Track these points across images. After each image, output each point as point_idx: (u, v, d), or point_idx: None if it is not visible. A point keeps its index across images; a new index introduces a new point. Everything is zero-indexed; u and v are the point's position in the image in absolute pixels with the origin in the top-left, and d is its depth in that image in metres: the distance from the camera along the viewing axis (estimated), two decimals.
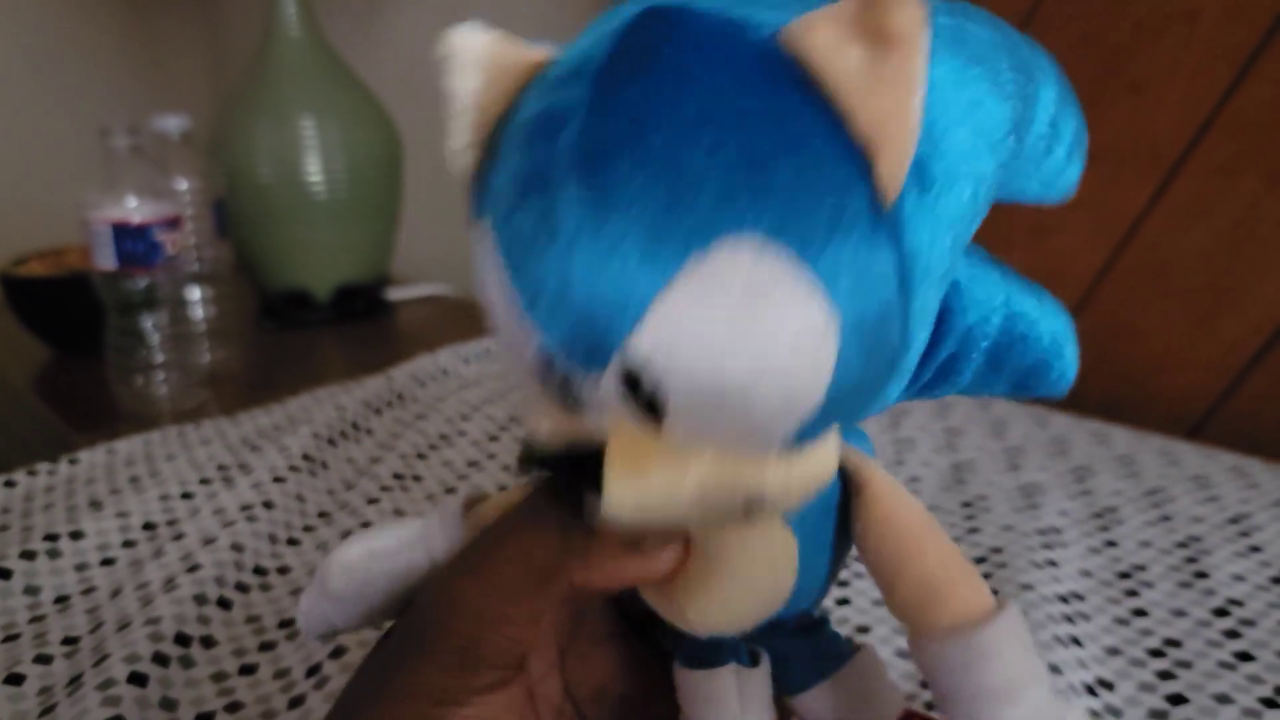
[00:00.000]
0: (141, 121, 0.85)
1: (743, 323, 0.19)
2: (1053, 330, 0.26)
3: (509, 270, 0.21)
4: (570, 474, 0.22)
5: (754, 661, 0.28)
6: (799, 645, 0.29)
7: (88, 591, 0.49)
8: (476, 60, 0.23)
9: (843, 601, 0.48)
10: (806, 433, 0.21)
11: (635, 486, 0.21)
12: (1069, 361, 0.27)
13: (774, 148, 0.19)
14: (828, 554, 0.26)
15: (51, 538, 0.52)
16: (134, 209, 0.81)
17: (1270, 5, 0.68)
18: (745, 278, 0.19)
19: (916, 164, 0.20)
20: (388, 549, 0.28)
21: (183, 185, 0.91)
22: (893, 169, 0.19)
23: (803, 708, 0.29)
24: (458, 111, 0.23)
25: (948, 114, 0.21)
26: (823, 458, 0.23)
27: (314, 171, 1.01)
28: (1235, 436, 0.73)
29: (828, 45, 0.18)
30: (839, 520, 0.26)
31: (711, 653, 0.28)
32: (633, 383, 0.20)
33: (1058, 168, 0.26)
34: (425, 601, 0.26)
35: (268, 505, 0.55)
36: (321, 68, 1.04)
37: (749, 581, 0.25)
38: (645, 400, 0.20)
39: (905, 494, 0.25)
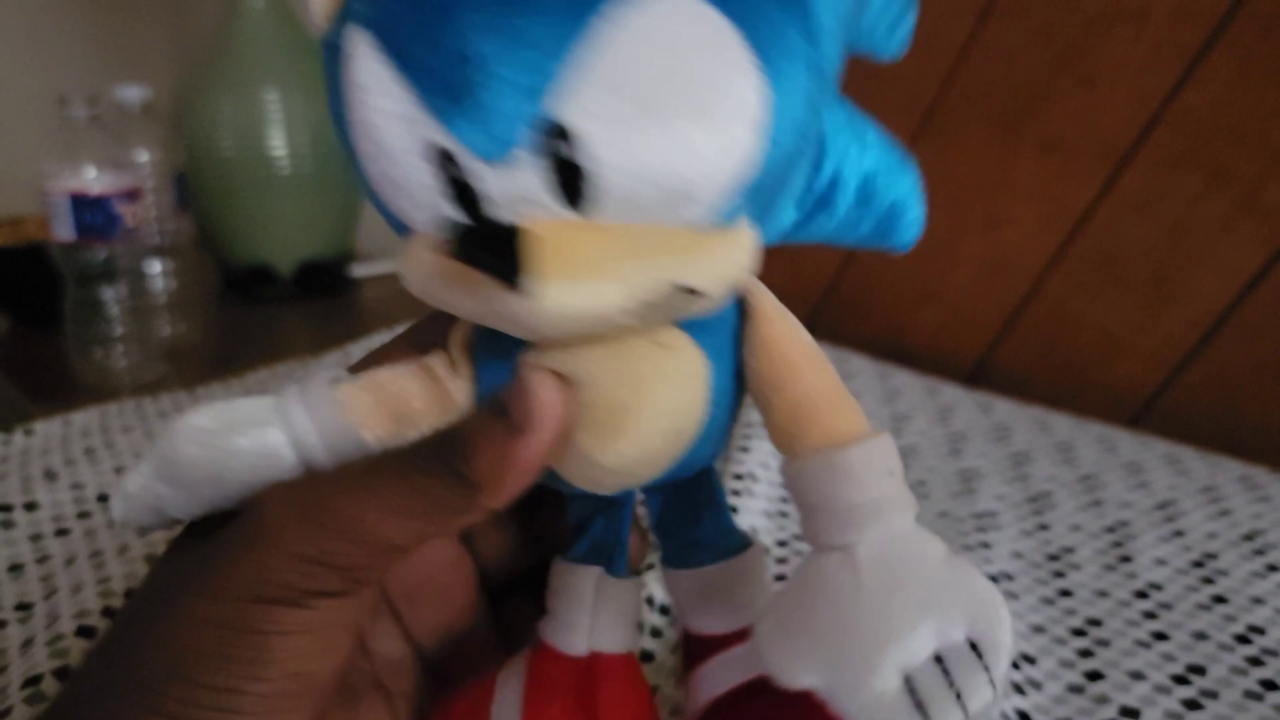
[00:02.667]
0: (101, 91, 0.84)
1: (685, 76, 0.19)
2: (909, 182, 0.26)
3: (399, 65, 0.20)
4: (492, 254, 0.19)
5: (628, 573, 0.28)
6: (691, 522, 0.28)
7: (42, 560, 0.49)
8: None
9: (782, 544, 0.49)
10: (733, 210, 0.21)
11: (564, 273, 0.19)
12: (917, 214, 0.27)
13: None
14: (730, 382, 0.25)
15: (6, 508, 0.53)
16: (93, 180, 0.81)
17: (1217, 6, 0.70)
18: (685, 29, 0.19)
19: None
20: (250, 421, 0.24)
21: (143, 157, 0.91)
22: None
23: (672, 580, 0.29)
24: None
25: None
26: (743, 244, 0.22)
27: (277, 145, 1.01)
28: (1174, 425, 0.75)
29: None
30: (736, 347, 0.25)
31: (592, 549, 0.28)
32: (552, 156, 0.19)
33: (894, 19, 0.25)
34: (277, 503, 0.23)
35: None
36: (286, 40, 1.04)
37: (664, 406, 0.23)
38: (566, 175, 0.19)
39: (793, 320, 0.25)
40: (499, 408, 0.22)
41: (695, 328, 0.24)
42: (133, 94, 0.90)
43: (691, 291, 0.20)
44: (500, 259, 0.19)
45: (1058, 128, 0.79)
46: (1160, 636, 0.46)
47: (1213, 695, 0.42)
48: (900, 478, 0.23)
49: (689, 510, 0.28)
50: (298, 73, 1.03)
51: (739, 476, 0.55)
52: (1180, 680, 0.43)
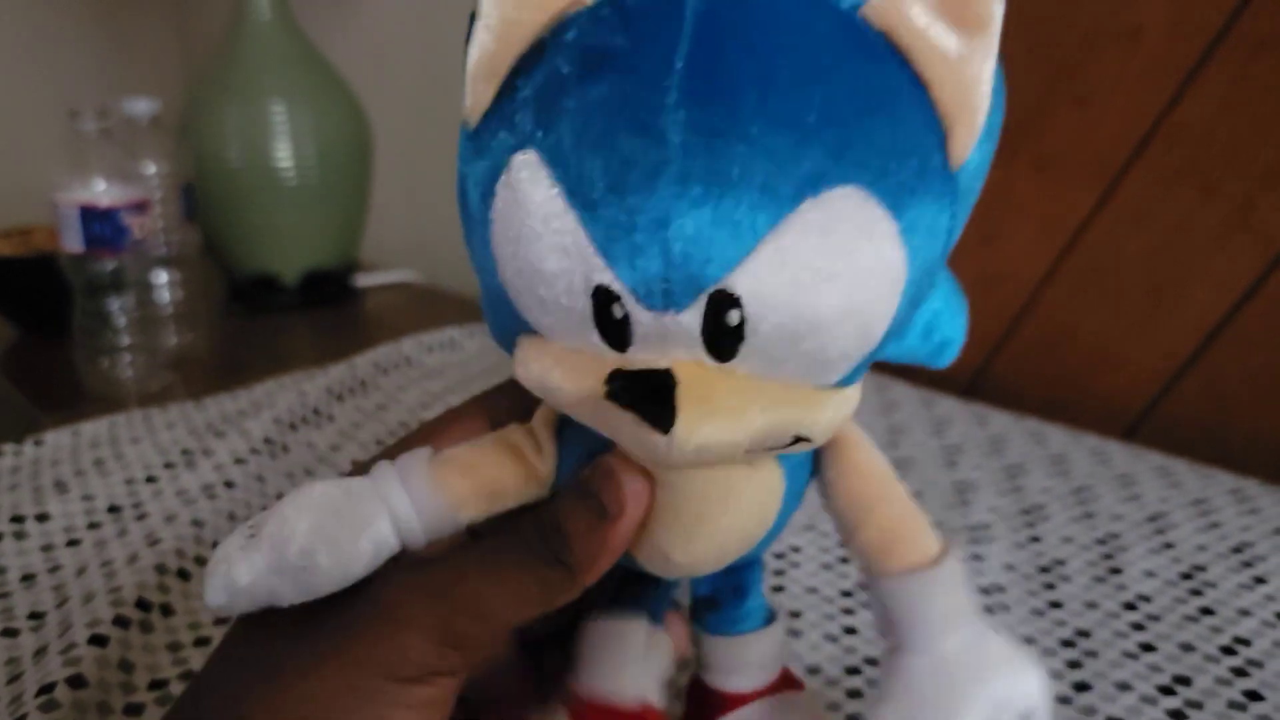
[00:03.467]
0: (110, 104, 0.86)
1: (842, 262, 0.21)
2: (963, 321, 0.29)
3: (578, 208, 0.21)
4: (646, 402, 0.21)
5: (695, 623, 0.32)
6: (738, 598, 0.31)
7: (54, 570, 0.51)
8: (505, 8, 0.22)
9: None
10: (857, 371, 0.24)
11: (703, 420, 0.21)
12: (960, 345, 0.29)
13: (874, 109, 0.21)
14: (798, 492, 0.28)
15: (18, 519, 0.54)
16: (102, 192, 0.82)
17: (1209, 24, 0.71)
18: (849, 222, 0.21)
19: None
20: (364, 519, 0.25)
21: (151, 169, 0.92)
22: (965, 138, 0.22)
23: (710, 645, 0.32)
24: (483, 31, 0.22)
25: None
26: (852, 396, 0.25)
27: (283, 156, 1.02)
28: (1168, 437, 0.76)
29: (916, 22, 0.21)
30: (811, 463, 0.28)
31: (633, 605, 0.30)
32: (718, 316, 0.21)
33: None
34: (409, 590, 0.25)
35: (229, 485, 0.57)
36: (292, 52, 1.05)
37: (742, 518, 0.26)
38: (726, 334, 0.22)
39: (871, 443, 0.28)
40: (589, 496, 0.25)
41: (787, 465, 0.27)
42: (141, 107, 0.91)
43: (801, 441, 0.24)
44: (654, 406, 0.21)
45: (1053, 144, 0.80)
46: (1148, 648, 0.47)
47: (1198, 706, 0.43)
48: (969, 588, 0.27)
49: (737, 588, 0.31)
50: (303, 85, 1.04)
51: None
52: (1167, 691, 0.44)
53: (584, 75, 0.21)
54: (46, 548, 0.52)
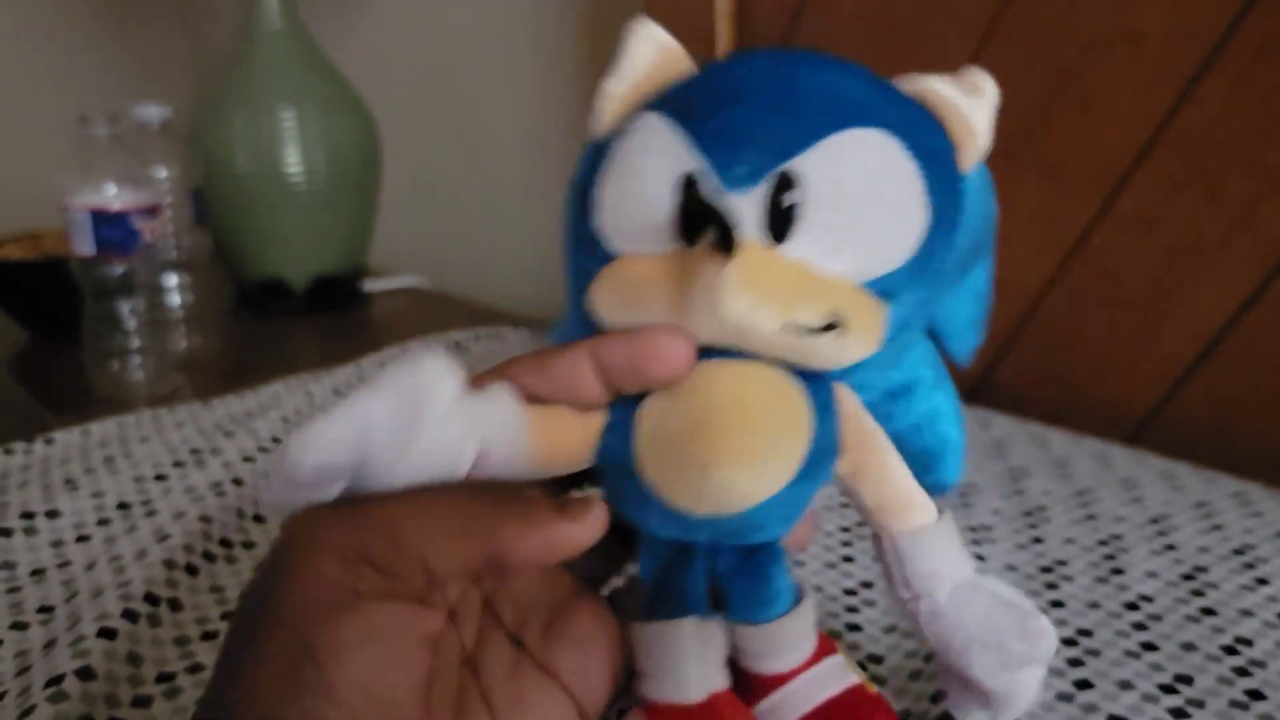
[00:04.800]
0: (121, 110, 0.87)
1: (879, 171, 0.28)
2: (960, 435, 0.34)
3: (682, 124, 0.29)
4: (719, 222, 0.26)
5: (713, 610, 0.32)
6: (763, 582, 0.32)
7: (63, 565, 0.51)
8: (656, 41, 0.32)
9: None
10: (885, 287, 0.29)
11: (751, 283, 0.27)
12: (959, 465, 0.34)
13: (904, 100, 0.30)
14: (826, 449, 0.30)
15: (28, 515, 0.54)
16: (112, 196, 0.83)
17: (1212, 30, 0.72)
18: (884, 148, 0.29)
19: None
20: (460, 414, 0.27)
21: (161, 173, 0.93)
22: (968, 154, 0.31)
23: (741, 632, 0.32)
24: (627, 68, 0.32)
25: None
26: (882, 317, 0.29)
27: (292, 162, 1.03)
28: (1171, 442, 0.76)
29: (935, 85, 0.31)
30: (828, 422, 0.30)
31: (675, 603, 0.31)
32: (777, 195, 0.27)
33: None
34: (314, 515, 0.25)
35: (237, 482, 0.57)
36: (301, 59, 1.06)
37: (783, 430, 0.28)
38: (782, 212, 0.27)
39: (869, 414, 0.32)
40: (565, 505, 0.27)
41: (808, 384, 0.29)
42: (152, 112, 0.92)
43: (833, 329, 0.28)
44: (723, 229, 0.26)
45: (1056, 150, 0.81)
46: (1149, 647, 0.47)
47: (1200, 704, 0.43)
48: (960, 545, 0.32)
49: (760, 572, 0.32)
50: (312, 92, 1.05)
51: None
52: (1168, 689, 0.44)
53: (691, 80, 0.31)
54: (56, 544, 0.53)
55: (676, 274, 0.28)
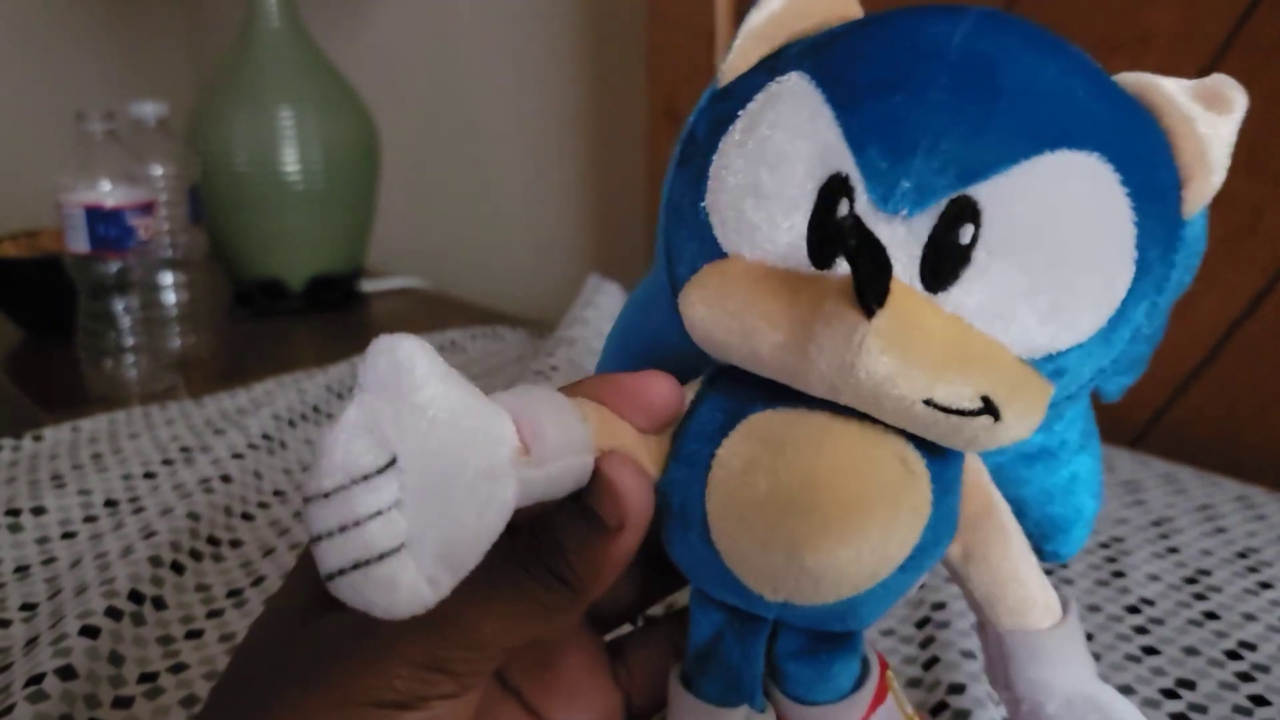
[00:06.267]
0: (118, 107, 0.86)
1: (1089, 216, 0.22)
2: (1094, 509, 0.29)
3: (838, 101, 0.22)
4: (865, 260, 0.20)
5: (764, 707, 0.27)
6: (818, 671, 0.27)
7: (48, 562, 0.50)
8: None
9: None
10: (1060, 365, 0.22)
11: (897, 342, 0.20)
12: (1082, 538, 0.29)
13: (1133, 116, 0.23)
14: (936, 540, 0.24)
15: (13, 512, 0.54)
16: (108, 193, 0.83)
17: (1219, 29, 0.71)
18: (1095, 182, 0.22)
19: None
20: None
21: (158, 171, 0.92)
22: (1198, 191, 0.23)
23: (789, 710, 0.28)
24: (768, 10, 0.25)
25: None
26: (1039, 411, 0.22)
27: (290, 161, 1.02)
28: (1175, 445, 0.75)
29: (1166, 88, 0.23)
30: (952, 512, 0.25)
31: (726, 683, 0.26)
32: (950, 228, 0.21)
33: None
34: (371, 627, 0.23)
35: (225, 479, 0.57)
36: (301, 59, 1.05)
37: (888, 525, 0.23)
38: (952, 251, 0.21)
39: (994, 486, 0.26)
40: (586, 508, 0.23)
41: (935, 471, 0.24)
42: (149, 110, 0.91)
43: (987, 413, 0.21)
44: (872, 267, 0.19)
45: None
46: (1151, 651, 0.46)
47: (1202, 710, 0.42)
48: (1086, 652, 0.26)
49: (830, 662, 0.27)
50: (311, 91, 1.05)
51: None
52: (1170, 694, 0.43)
53: (858, 28, 0.24)
54: (41, 540, 0.52)
55: (802, 299, 0.21)
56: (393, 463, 0.20)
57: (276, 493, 0.58)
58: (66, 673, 0.41)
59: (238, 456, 0.60)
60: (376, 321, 1.07)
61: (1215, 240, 0.73)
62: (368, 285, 1.16)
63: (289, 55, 1.05)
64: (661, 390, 0.24)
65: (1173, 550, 0.55)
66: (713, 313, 0.23)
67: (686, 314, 0.23)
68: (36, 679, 0.41)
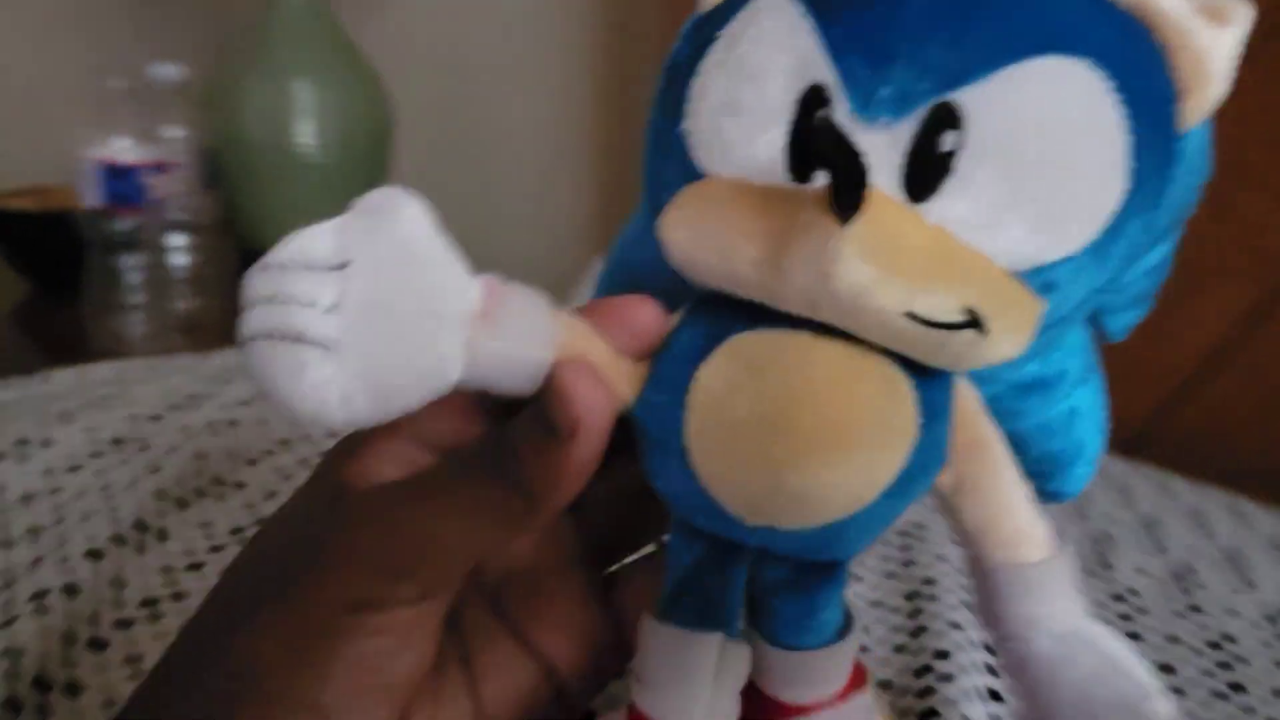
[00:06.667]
0: (140, 67, 0.87)
1: (1072, 117, 0.21)
2: (1099, 443, 0.28)
3: (819, 14, 0.22)
4: (840, 167, 0.19)
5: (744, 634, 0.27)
6: (807, 607, 0.26)
7: (54, 492, 0.51)
8: None
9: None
10: (1049, 278, 0.22)
11: (876, 252, 0.20)
12: (1086, 474, 0.28)
13: (1126, 28, 0.22)
14: (923, 468, 0.23)
15: (22, 442, 0.54)
16: (125, 150, 0.84)
17: None
18: (1083, 87, 0.21)
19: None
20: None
21: (175, 133, 0.93)
22: (1196, 105, 0.22)
23: (767, 654, 0.27)
24: None
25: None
26: (1028, 327, 0.22)
27: (304, 134, 1.03)
28: (1168, 458, 0.76)
29: (1171, 5, 0.22)
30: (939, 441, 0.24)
31: (703, 610, 0.26)
32: (931, 135, 0.20)
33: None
34: (357, 517, 0.24)
35: (232, 423, 0.57)
36: (322, 34, 1.06)
37: (875, 445, 0.22)
38: (933, 160, 0.21)
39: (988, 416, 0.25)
40: (542, 415, 0.22)
41: (923, 394, 0.23)
42: (170, 72, 0.92)
43: (971, 327, 0.21)
44: (848, 175, 0.19)
45: None
46: (1134, 636, 0.47)
47: (1180, 693, 0.43)
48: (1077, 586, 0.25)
49: (814, 595, 0.26)
50: (330, 67, 1.05)
51: None
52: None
53: None
54: (48, 471, 0.53)
55: (779, 214, 0.21)
56: (344, 267, 0.21)
57: (282, 441, 0.59)
58: (70, 590, 0.42)
59: (245, 404, 0.60)
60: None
61: (1214, 255, 0.75)
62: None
63: (311, 30, 1.05)
64: (645, 311, 0.24)
65: (1161, 549, 0.56)
66: (691, 233, 0.22)
67: (666, 237, 0.23)
68: (41, 594, 0.41)
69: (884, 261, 0.20)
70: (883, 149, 0.21)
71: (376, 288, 0.21)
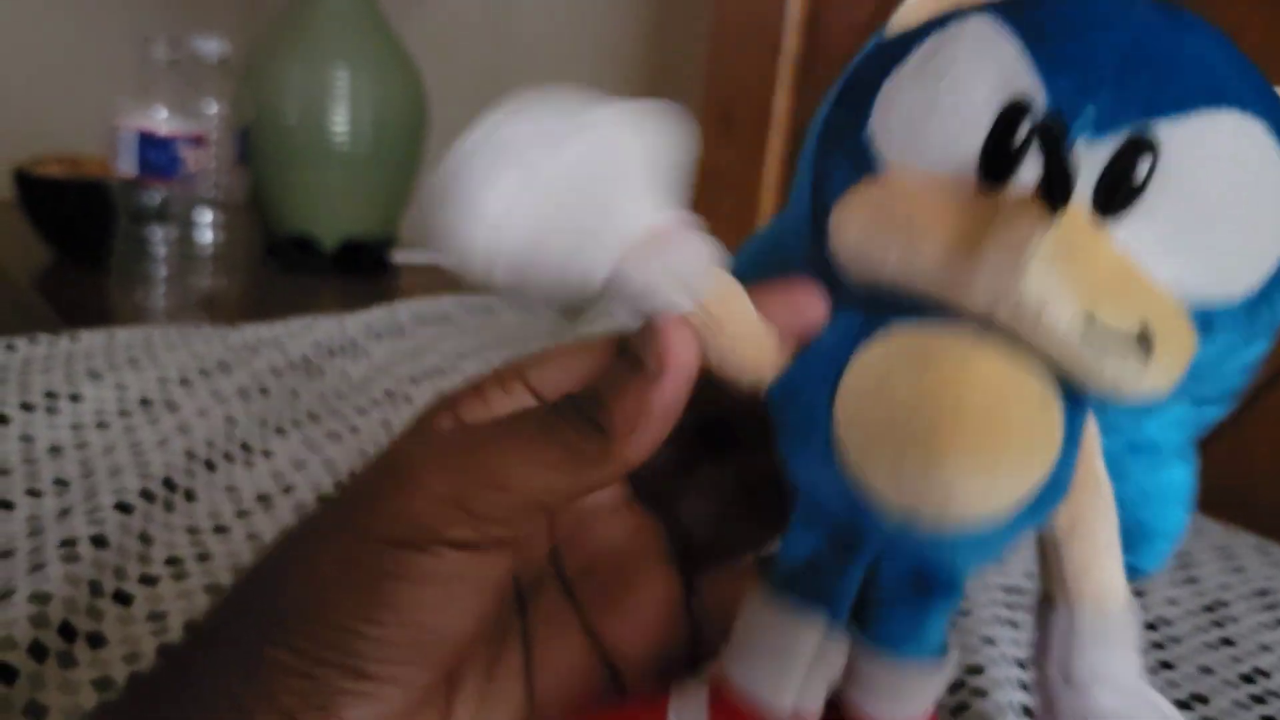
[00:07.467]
0: (182, 38, 0.87)
1: (1256, 173, 0.23)
2: (1182, 521, 0.28)
3: (1026, 36, 0.23)
4: (1058, 171, 0.20)
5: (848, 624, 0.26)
6: (911, 612, 0.25)
7: (81, 446, 0.50)
8: None
9: None
10: (1208, 319, 0.23)
11: (1065, 260, 0.21)
12: (1165, 552, 0.27)
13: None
14: (1053, 491, 0.23)
15: (51, 395, 0.54)
16: (163, 120, 0.84)
17: None
18: (1260, 143, 0.23)
19: None
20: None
21: (212, 108, 0.93)
22: None
23: (866, 659, 0.26)
24: None
25: None
26: (1184, 361, 0.22)
27: (339, 121, 1.03)
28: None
29: None
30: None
31: (814, 599, 0.25)
32: (1127, 159, 0.21)
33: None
34: (425, 445, 0.24)
35: (263, 391, 0.57)
36: (361, 21, 1.06)
37: (1028, 451, 0.22)
38: (1126, 183, 0.21)
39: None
40: (632, 355, 0.23)
41: (1067, 415, 0.23)
42: (211, 46, 0.92)
43: (1140, 348, 0.21)
44: (1059, 175, 0.20)
45: None
46: (1167, 665, 0.46)
47: None
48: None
49: (926, 603, 0.25)
50: (368, 54, 1.06)
51: None
52: (1184, 706, 0.43)
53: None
54: (76, 426, 0.52)
55: (968, 214, 0.22)
56: (569, 134, 0.23)
57: (310, 414, 0.58)
58: (99, 541, 0.41)
59: (277, 373, 0.60)
60: (403, 292, 1.07)
61: None
62: (400, 256, 1.16)
63: (351, 16, 1.06)
64: (810, 293, 0.24)
65: (1191, 580, 0.55)
66: (870, 224, 0.23)
67: (838, 229, 0.24)
68: (70, 542, 0.41)
69: (1073, 270, 0.21)
70: (1083, 163, 0.22)
71: (587, 166, 0.22)
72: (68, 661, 0.36)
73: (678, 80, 1.07)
